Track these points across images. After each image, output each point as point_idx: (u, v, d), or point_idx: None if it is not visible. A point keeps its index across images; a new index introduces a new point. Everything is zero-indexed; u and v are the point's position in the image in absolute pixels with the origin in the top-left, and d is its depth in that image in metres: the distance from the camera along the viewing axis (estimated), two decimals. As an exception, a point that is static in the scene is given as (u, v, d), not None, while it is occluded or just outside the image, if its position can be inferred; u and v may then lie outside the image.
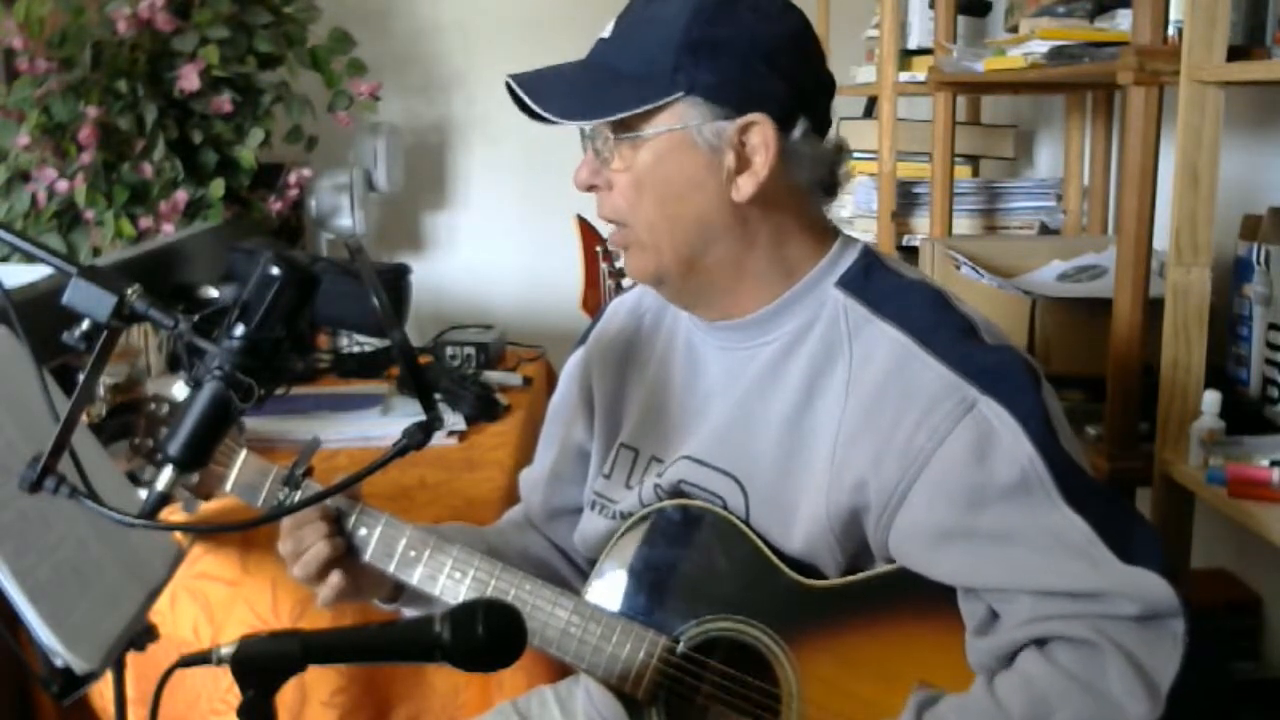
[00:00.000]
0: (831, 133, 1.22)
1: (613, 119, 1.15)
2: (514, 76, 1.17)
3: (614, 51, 1.17)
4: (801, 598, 1.18)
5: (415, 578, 1.26)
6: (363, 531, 1.27)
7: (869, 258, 1.23)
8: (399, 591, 1.33)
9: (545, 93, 1.16)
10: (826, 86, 1.21)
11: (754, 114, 1.13)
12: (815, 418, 1.17)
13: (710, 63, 1.12)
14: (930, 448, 1.09)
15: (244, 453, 1.27)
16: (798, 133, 1.15)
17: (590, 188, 1.20)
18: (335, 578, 1.26)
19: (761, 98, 1.14)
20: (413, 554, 1.26)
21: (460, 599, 1.24)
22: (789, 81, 1.15)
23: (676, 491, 1.24)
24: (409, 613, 1.35)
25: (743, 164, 1.15)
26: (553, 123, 1.16)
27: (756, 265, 1.20)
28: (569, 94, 1.16)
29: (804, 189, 1.19)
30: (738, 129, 1.14)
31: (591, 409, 1.37)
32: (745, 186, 1.15)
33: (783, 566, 1.18)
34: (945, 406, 1.10)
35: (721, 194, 1.16)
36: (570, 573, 1.42)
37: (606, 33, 1.19)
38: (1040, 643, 1.07)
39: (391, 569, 1.26)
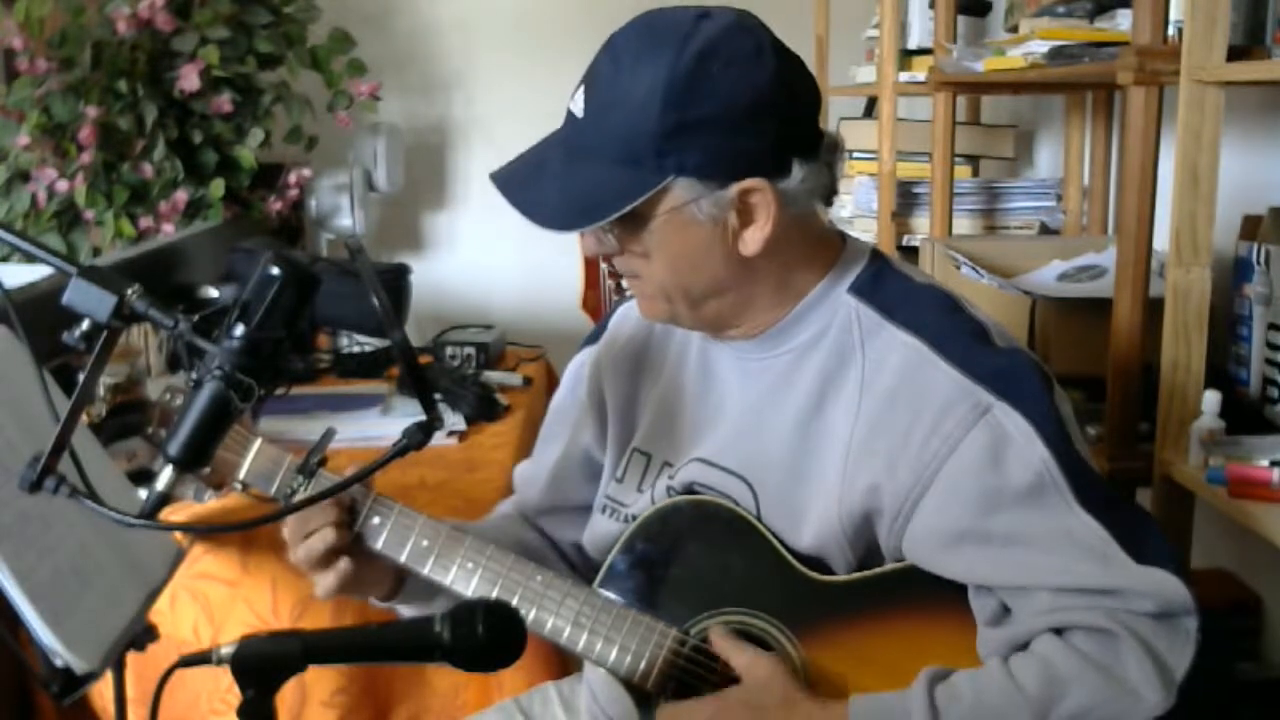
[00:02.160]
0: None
1: (609, 220, 1.12)
2: (496, 177, 1.15)
3: (592, 134, 1.13)
4: (812, 593, 1.18)
5: (427, 568, 1.25)
6: (375, 520, 1.26)
7: (879, 262, 1.23)
8: (396, 589, 1.33)
9: (534, 199, 1.13)
10: (811, 106, 1.17)
11: (749, 180, 1.11)
12: (827, 422, 1.17)
13: (695, 144, 1.09)
14: (944, 453, 1.10)
15: (258, 441, 1.27)
16: (795, 175, 1.13)
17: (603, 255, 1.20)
18: (344, 563, 1.24)
19: (753, 160, 1.11)
20: (425, 544, 1.26)
21: (471, 591, 1.24)
22: (777, 131, 1.12)
23: (688, 492, 1.25)
24: (405, 610, 1.35)
25: (746, 219, 1.13)
26: None
27: (765, 296, 1.20)
28: (555, 195, 1.14)
29: (807, 213, 1.19)
30: (736, 195, 1.12)
31: (602, 414, 1.37)
32: (752, 241, 1.14)
33: (794, 561, 1.19)
34: (959, 411, 1.10)
35: (730, 253, 1.15)
36: (564, 569, 1.42)
37: (578, 108, 1.14)
38: (1057, 631, 1.08)
39: (403, 559, 1.26)
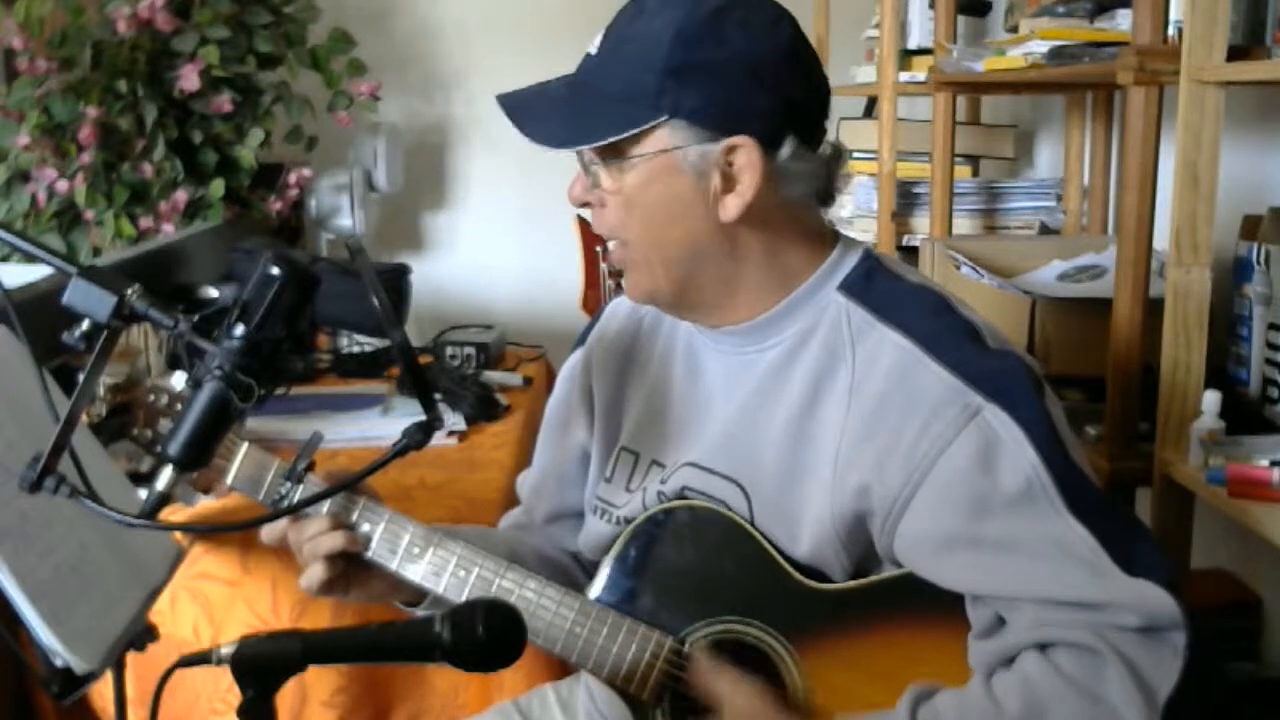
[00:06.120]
0: (830, 135, 1.21)
1: (595, 145, 1.14)
2: (502, 97, 1.17)
3: (599, 70, 1.16)
4: (808, 600, 1.18)
5: (418, 574, 1.25)
6: (365, 527, 1.26)
7: (870, 261, 1.22)
8: (423, 594, 1.30)
9: (530, 115, 1.15)
10: (819, 97, 1.18)
11: (738, 137, 1.12)
12: (818, 423, 1.17)
13: (694, 87, 1.11)
14: (934, 454, 1.09)
15: (245, 446, 1.26)
16: (786, 151, 1.14)
17: (584, 204, 1.20)
18: (335, 565, 1.24)
19: (747, 119, 1.12)
20: (416, 550, 1.25)
21: (464, 597, 1.24)
22: (776, 99, 1.13)
23: (680, 497, 1.24)
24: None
25: (729, 184, 1.14)
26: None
27: (751, 277, 1.19)
28: (553, 117, 1.16)
29: (796, 201, 1.18)
30: (723, 151, 1.12)
31: (592, 411, 1.36)
32: (732, 207, 1.14)
33: (789, 569, 1.18)
34: (949, 413, 1.09)
35: (709, 215, 1.15)
36: (584, 576, 1.41)
37: (594, 48, 1.17)
38: (1042, 647, 1.07)
39: (394, 565, 1.25)
